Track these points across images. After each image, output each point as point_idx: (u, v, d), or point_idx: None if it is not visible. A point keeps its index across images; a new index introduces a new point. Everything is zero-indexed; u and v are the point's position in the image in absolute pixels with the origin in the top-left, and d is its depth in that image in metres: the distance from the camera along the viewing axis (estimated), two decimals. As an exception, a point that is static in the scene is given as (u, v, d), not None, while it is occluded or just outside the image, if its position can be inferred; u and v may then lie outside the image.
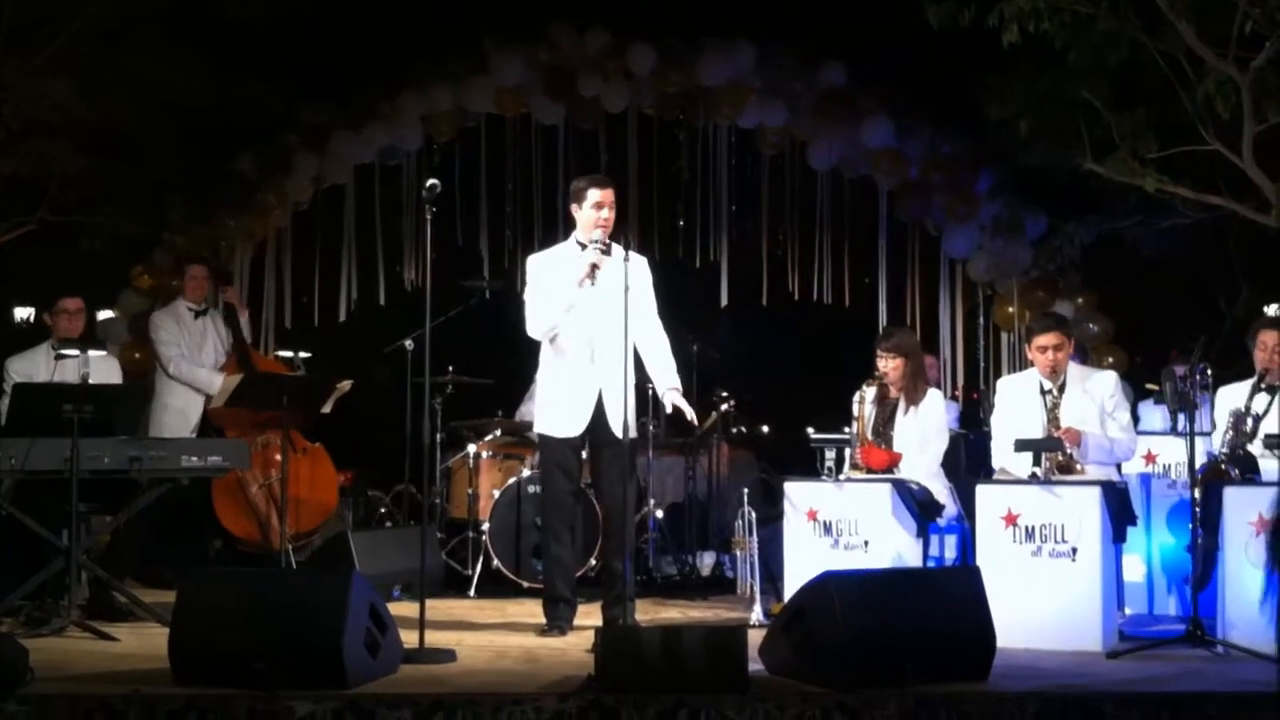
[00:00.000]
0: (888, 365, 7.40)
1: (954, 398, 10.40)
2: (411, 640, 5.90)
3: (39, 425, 6.59)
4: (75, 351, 7.49)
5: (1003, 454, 7.08)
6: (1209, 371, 6.53)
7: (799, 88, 10.47)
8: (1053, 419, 7.00)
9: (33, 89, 8.81)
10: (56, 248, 10.06)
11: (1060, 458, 6.75)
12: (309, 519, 8.71)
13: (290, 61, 10.23)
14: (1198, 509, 6.47)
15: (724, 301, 11.42)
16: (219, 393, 8.17)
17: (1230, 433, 6.90)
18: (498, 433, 9.24)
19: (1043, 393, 7.10)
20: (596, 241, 6.70)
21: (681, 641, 5.18)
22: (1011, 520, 6.53)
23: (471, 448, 9.05)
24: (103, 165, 9.25)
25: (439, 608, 7.36)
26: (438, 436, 9.02)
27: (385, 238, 11.20)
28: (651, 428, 8.59)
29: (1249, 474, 6.71)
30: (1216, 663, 6.00)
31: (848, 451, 7.41)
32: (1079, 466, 6.79)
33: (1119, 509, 6.62)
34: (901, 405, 7.37)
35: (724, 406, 9.14)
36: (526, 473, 8.66)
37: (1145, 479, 7.72)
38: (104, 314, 9.95)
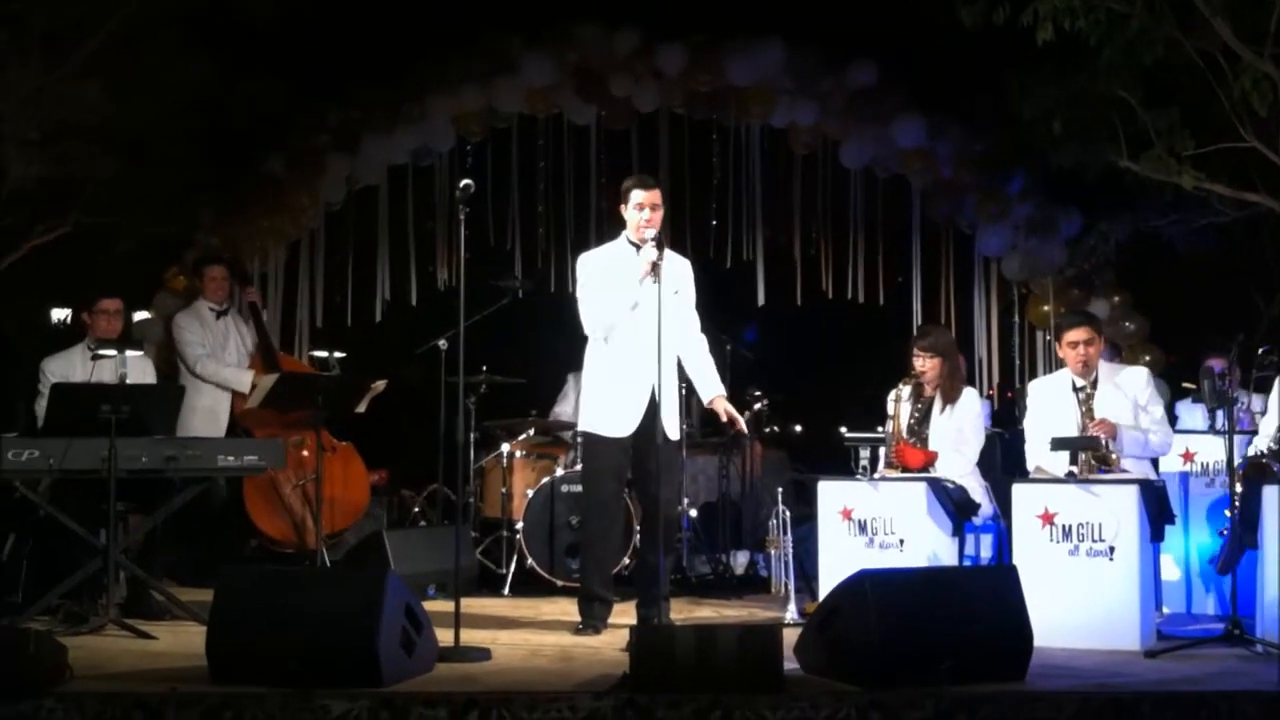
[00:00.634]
0: (924, 364, 7.39)
1: (988, 397, 10.35)
2: (446, 639, 5.91)
3: (76, 425, 6.64)
4: (112, 351, 7.53)
5: (1038, 454, 7.06)
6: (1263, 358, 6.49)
7: (829, 86, 10.44)
8: (1087, 413, 6.98)
9: (64, 92, 8.86)
10: (91, 249, 10.10)
11: (1098, 451, 6.72)
12: (342, 518, 8.75)
13: (317, 61, 10.24)
14: (1236, 503, 6.44)
15: (760, 301, 11.40)
16: (255, 392, 8.19)
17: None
18: (531, 432, 9.26)
19: (1075, 390, 7.08)
20: (651, 240, 6.70)
21: (716, 641, 5.17)
22: (1048, 519, 6.50)
23: (505, 447, 9.07)
24: (133, 167, 9.29)
25: (473, 606, 7.38)
26: (471, 436, 9.03)
27: (418, 238, 11.22)
28: (686, 428, 8.59)
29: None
30: (1255, 662, 5.95)
31: (881, 450, 7.40)
32: (1114, 457, 6.76)
33: (1157, 508, 6.59)
34: (938, 404, 7.35)
35: (758, 406, 9.13)
36: (560, 472, 8.68)
37: (1184, 478, 7.68)
38: (139, 315, 9.99)
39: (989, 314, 10.89)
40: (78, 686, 5.16)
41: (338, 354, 10.91)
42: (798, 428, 12.87)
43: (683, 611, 7.58)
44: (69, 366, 7.83)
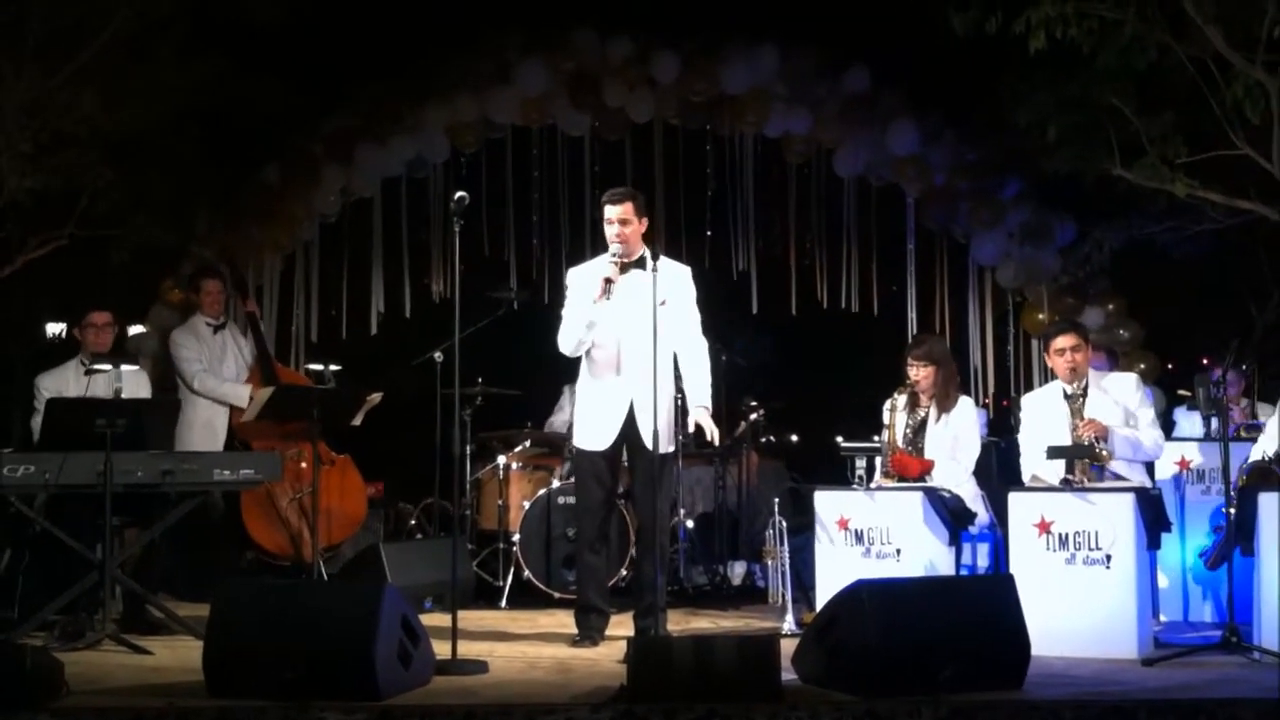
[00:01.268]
0: (919, 373, 7.39)
1: (984, 405, 10.36)
2: (444, 651, 5.91)
3: (72, 440, 6.64)
4: (107, 366, 7.53)
5: (1033, 465, 7.07)
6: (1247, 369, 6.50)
7: (823, 93, 10.45)
8: (1076, 414, 6.99)
9: (60, 102, 8.86)
10: (86, 263, 10.10)
11: (1093, 458, 6.74)
12: (339, 530, 8.75)
13: (311, 70, 10.24)
14: (1234, 501, 6.44)
15: (754, 310, 11.40)
16: (251, 405, 8.17)
17: None
18: (527, 444, 9.26)
19: (1066, 398, 7.11)
20: (614, 256, 6.70)
21: (714, 651, 5.18)
22: (1045, 528, 6.51)
23: (501, 459, 9.06)
24: (129, 175, 9.28)
25: (470, 619, 7.38)
26: (467, 448, 9.03)
27: (412, 250, 11.21)
28: (680, 438, 8.58)
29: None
30: (1253, 669, 5.96)
31: (878, 460, 7.40)
32: (1106, 454, 6.77)
33: (1153, 516, 6.59)
34: (933, 413, 7.36)
35: (753, 416, 9.13)
36: (556, 483, 8.67)
37: (1180, 485, 7.68)
38: (135, 328, 9.98)
39: (984, 322, 10.89)
40: (74, 702, 5.16)
41: (333, 366, 10.90)
42: (794, 437, 12.86)
43: (680, 622, 7.58)
44: (63, 382, 7.82)
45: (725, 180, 11.24)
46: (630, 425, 6.71)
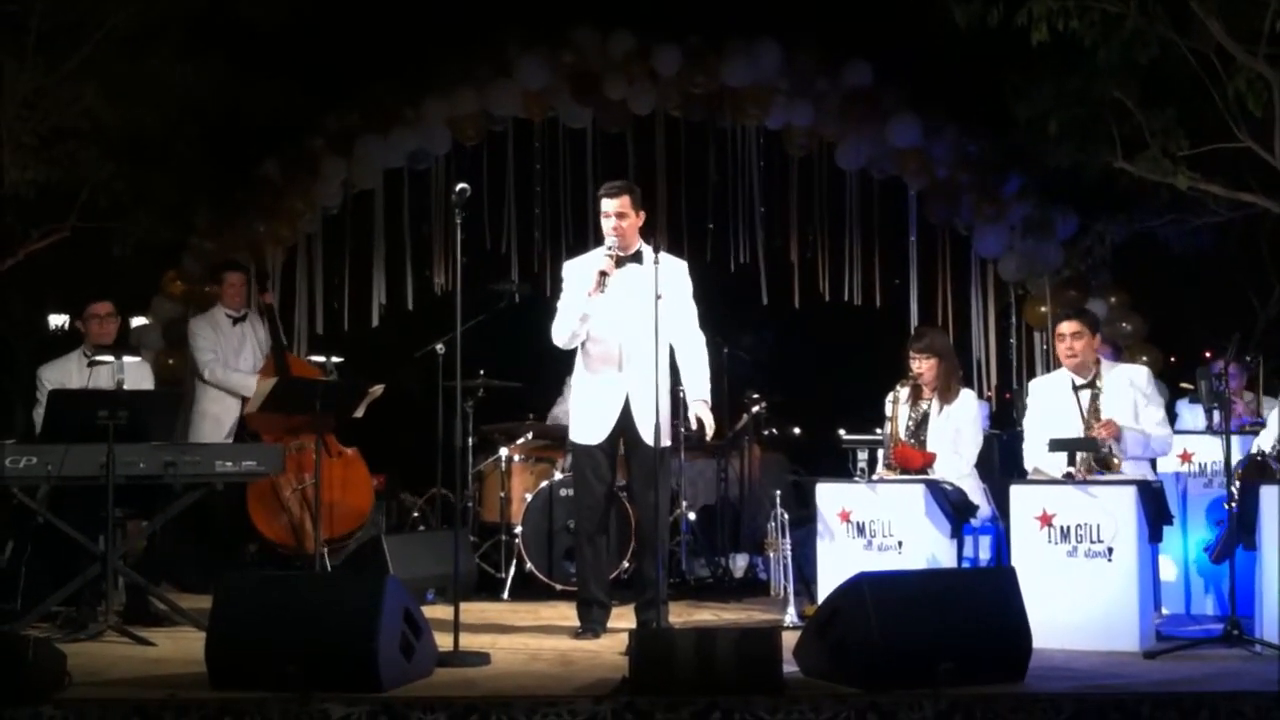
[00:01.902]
0: (921, 366, 7.39)
1: (986, 398, 10.35)
2: (446, 643, 5.91)
3: (74, 431, 6.63)
4: (109, 358, 7.53)
5: (1036, 454, 7.06)
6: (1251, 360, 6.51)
7: (824, 87, 10.44)
8: (1093, 413, 6.97)
9: (62, 95, 8.87)
10: (89, 255, 10.11)
11: (1097, 453, 6.72)
12: (343, 523, 8.73)
13: (313, 65, 10.25)
14: (1235, 495, 6.44)
15: (764, 301, 11.40)
16: (254, 396, 8.19)
17: None
18: (529, 436, 9.25)
19: (1075, 389, 7.08)
20: (609, 249, 6.70)
21: (715, 644, 5.18)
22: (1046, 520, 6.51)
23: (503, 451, 9.06)
24: (131, 170, 9.29)
25: (472, 611, 7.37)
26: (469, 440, 9.03)
27: (414, 242, 11.21)
28: (682, 431, 8.58)
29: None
30: (1255, 662, 5.96)
31: (879, 453, 7.41)
32: (1116, 461, 6.76)
33: (1155, 509, 6.59)
34: (935, 406, 7.35)
35: (755, 408, 9.13)
36: (558, 476, 8.67)
37: (1181, 478, 7.68)
38: (138, 321, 9.99)
39: (986, 315, 10.88)
40: (77, 693, 5.16)
41: (335, 359, 10.90)
42: (796, 430, 12.87)
43: (682, 615, 7.58)
44: (64, 374, 7.81)
45: (727, 173, 11.23)
46: (626, 419, 6.71)
